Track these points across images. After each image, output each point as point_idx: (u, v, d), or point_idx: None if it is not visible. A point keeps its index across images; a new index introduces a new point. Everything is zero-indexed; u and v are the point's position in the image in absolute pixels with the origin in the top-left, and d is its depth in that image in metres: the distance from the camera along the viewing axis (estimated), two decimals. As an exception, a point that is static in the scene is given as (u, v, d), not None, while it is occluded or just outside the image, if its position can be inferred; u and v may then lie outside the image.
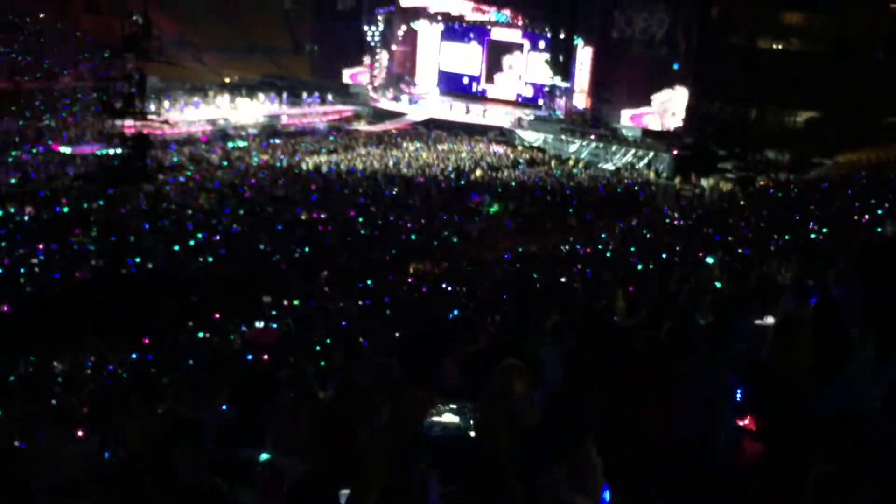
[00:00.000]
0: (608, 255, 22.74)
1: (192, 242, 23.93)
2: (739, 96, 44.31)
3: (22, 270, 20.39)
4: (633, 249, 22.72)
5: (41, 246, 22.08)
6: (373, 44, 53.63)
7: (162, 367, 14.00)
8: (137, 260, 21.91)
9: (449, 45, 55.05)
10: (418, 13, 54.52)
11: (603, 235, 26.66)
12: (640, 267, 19.10)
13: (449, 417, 4.46)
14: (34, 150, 35.59)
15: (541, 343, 7.36)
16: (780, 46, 49.96)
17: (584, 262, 21.87)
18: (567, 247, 25.34)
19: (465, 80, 54.72)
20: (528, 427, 4.31)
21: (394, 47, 54.93)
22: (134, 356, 15.08)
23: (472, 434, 4.30)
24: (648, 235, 25.65)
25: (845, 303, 6.10)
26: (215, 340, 16.35)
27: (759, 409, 4.94)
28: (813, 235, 18.19)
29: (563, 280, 19.06)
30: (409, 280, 22.26)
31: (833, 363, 5.16)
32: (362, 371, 6.56)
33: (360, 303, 19.42)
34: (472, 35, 53.97)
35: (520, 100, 51.94)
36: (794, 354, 5.16)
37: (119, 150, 32.83)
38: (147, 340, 15.96)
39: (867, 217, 19.27)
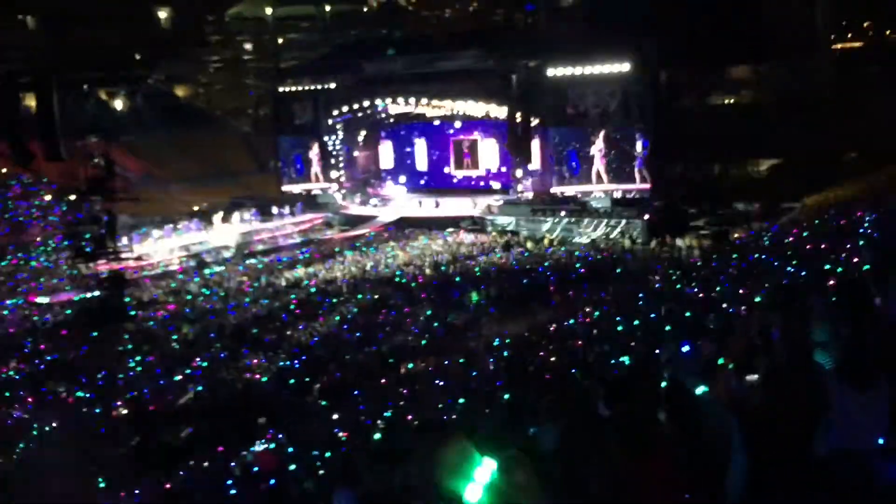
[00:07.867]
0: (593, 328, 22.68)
1: (176, 378, 23.81)
2: (700, 154, 44.95)
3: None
4: (618, 319, 22.66)
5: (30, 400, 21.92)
6: (335, 152, 54.12)
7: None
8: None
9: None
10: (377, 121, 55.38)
11: (587, 308, 26.59)
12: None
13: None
14: (11, 303, 35.46)
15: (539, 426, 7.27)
16: (731, 101, 51.04)
17: (572, 338, 21.83)
18: (554, 325, 25.25)
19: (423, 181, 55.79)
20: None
21: (356, 153, 55.49)
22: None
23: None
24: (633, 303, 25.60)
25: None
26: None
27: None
28: (786, 281, 18.25)
29: (553, 360, 18.99)
30: (402, 381, 22.08)
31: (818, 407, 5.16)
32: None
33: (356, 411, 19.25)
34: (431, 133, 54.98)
35: (487, 186, 52.43)
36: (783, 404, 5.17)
37: (96, 293, 32.80)
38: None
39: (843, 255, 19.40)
